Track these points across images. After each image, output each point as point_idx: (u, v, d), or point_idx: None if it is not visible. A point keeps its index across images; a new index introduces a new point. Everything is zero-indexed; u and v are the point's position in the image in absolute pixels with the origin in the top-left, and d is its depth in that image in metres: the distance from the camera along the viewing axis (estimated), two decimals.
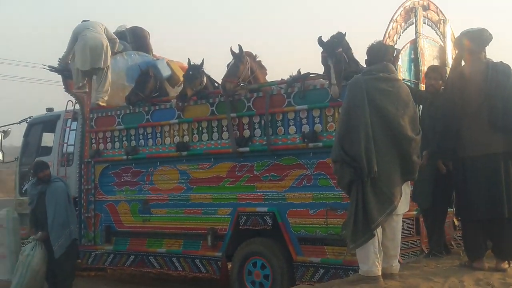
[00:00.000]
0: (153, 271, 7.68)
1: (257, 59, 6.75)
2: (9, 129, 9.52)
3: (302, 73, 6.13)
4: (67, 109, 8.44)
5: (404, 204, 4.46)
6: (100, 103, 7.63)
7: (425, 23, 6.29)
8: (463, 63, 5.16)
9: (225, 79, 6.36)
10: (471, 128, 4.83)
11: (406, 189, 4.52)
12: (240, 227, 6.20)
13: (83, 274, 8.55)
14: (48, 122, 8.92)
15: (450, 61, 6.30)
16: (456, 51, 5.53)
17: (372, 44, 4.64)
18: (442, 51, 6.50)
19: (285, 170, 5.97)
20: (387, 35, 5.69)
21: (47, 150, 8.72)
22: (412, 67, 6.00)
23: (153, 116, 7.08)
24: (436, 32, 6.54)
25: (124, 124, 7.33)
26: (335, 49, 5.50)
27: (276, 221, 5.95)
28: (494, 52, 5.11)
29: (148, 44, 8.64)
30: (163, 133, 6.97)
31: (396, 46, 5.64)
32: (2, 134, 9.42)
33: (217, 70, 7.08)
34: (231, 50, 6.44)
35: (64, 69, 8.04)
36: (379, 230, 4.29)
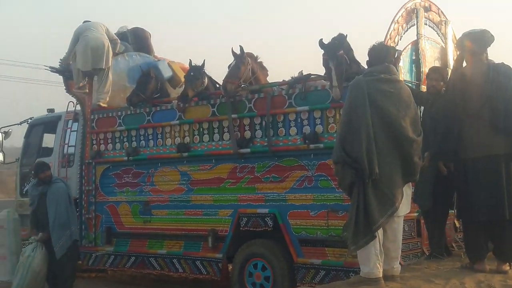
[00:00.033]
0: (153, 273, 7.66)
1: (258, 60, 6.74)
2: (10, 130, 9.53)
3: (303, 74, 6.13)
4: (68, 110, 8.45)
5: (405, 206, 4.45)
6: (101, 104, 7.63)
7: (426, 24, 6.29)
8: (464, 64, 5.15)
9: (226, 80, 6.35)
10: (472, 130, 4.82)
11: (407, 191, 4.52)
12: (241, 228, 6.20)
13: (83, 275, 8.55)
14: (49, 123, 8.93)
15: (451, 63, 6.29)
16: (458, 53, 5.53)
17: (374, 45, 4.64)
18: (444, 52, 6.49)
19: (286, 171, 5.97)
20: (388, 36, 5.69)
21: (48, 151, 8.73)
22: (414, 68, 6.00)
23: (154, 117, 7.08)
24: (437, 33, 6.54)
25: (125, 125, 7.32)
26: (336, 51, 5.48)
27: (277, 223, 5.94)
28: (496, 53, 5.11)
29: (149, 45, 8.64)
30: (164, 134, 6.96)
31: (397, 47, 5.64)
32: (3, 135, 9.43)
33: (217, 71, 7.09)
34: (232, 51, 6.44)
35: (65, 70, 8.04)
36: (380, 232, 4.28)
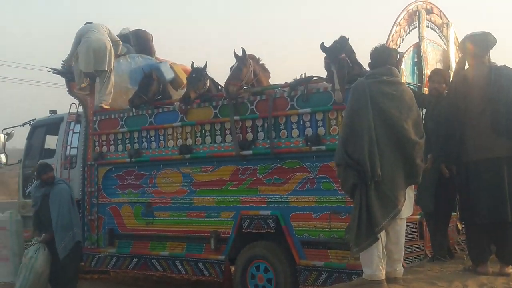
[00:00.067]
0: (156, 274, 7.66)
1: (260, 62, 6.73)
2: (12, 132, 9.54)
3: (306, 76, 6.13)
4: (71, 111, 8.46)
5: (407, 208, 4.45)
6: (103, 106, 7.63)
7: (428, 26, 6.29)
8: (466, 66, 5.16)
9: (228, 82, 6.35)
10: (474, 132, 4.82)
11: (410, 193, 4.52)
12: (243, 230, 6.20)
13: (86, 276, 8.57)
14: (51, 125, 8.94)
15: (453, 65, 6.29)
16: (460, 55, 5.53)
17: (376, 47, 4.64)
18: (446, 55, 6.50)
19: (288, 173, 5.96)
20: (390, 39, 5.69)
21: (51, 153, 8.74)
22: (416, 71, 6.00)
23: (156, 119, 7.08)
24: (439, 35, 6.55)
25: (128, 127, 7.33)
26: (337, 54, 5.47)
27: (279, 225, 5.94)
28: (498, 56, 5.12)
29: (151, 47, 8.64)
30: (166, 136, 6.96)
31: (399, 50, 5.65)
32: (5, 136, 9.43)
33: (220, 73, 7.09)
34: (234, 53, 6.44)
35: (67, 72, 8.05)
36: (382, 234, 4.28)
